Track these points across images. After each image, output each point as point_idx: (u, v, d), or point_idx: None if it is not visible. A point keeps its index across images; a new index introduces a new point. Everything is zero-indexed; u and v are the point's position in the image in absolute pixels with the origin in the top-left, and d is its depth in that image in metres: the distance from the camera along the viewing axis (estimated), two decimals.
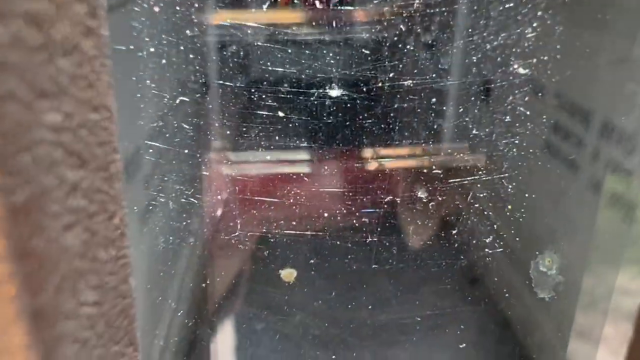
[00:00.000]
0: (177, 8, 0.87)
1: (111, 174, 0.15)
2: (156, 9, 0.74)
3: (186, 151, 0.94)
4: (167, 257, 0.72)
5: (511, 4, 0.92)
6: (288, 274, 0.99)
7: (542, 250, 0.84)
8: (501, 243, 0.96)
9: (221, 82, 1.29)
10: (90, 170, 0.14)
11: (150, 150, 0.66)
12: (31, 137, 0.12)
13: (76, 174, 0.14)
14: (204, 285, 0.90)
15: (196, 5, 1.03)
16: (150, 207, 0.63)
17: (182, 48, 0.90)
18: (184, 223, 0.83)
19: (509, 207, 0.90)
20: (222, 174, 1.20)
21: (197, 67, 1.08)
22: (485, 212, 1.02)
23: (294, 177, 1.08)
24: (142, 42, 0.67)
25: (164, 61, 0.79)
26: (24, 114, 0.11)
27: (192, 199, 0.88)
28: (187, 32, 0.92)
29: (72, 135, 0.13)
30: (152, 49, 0.75)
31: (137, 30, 0.66)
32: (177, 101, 0.84)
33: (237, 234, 0.85)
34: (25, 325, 0.12)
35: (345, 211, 1.00)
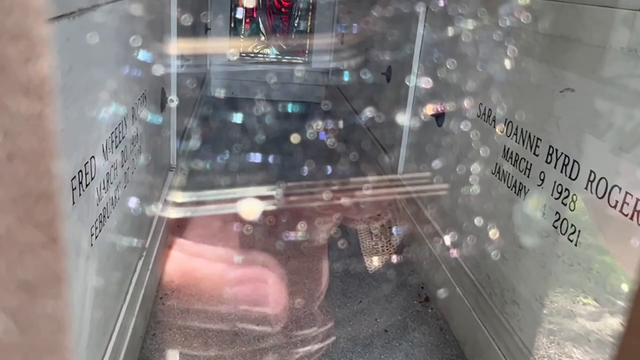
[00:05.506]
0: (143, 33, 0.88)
1: None
2: (118, 32, 0.74)
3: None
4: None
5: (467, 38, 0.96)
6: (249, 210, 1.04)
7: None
8: (452, 264, 0.97)
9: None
10: None
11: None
12: None
13: None
14: None
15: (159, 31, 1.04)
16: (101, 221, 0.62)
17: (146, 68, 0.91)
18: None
19: (460, 227, 0.91)
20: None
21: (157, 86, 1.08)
22: (438, 232, 1.03)
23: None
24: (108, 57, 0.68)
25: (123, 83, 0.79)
26: None
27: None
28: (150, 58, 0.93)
29: None
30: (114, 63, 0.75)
31: (105, 42, 0.67)
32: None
33: None
34: None
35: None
